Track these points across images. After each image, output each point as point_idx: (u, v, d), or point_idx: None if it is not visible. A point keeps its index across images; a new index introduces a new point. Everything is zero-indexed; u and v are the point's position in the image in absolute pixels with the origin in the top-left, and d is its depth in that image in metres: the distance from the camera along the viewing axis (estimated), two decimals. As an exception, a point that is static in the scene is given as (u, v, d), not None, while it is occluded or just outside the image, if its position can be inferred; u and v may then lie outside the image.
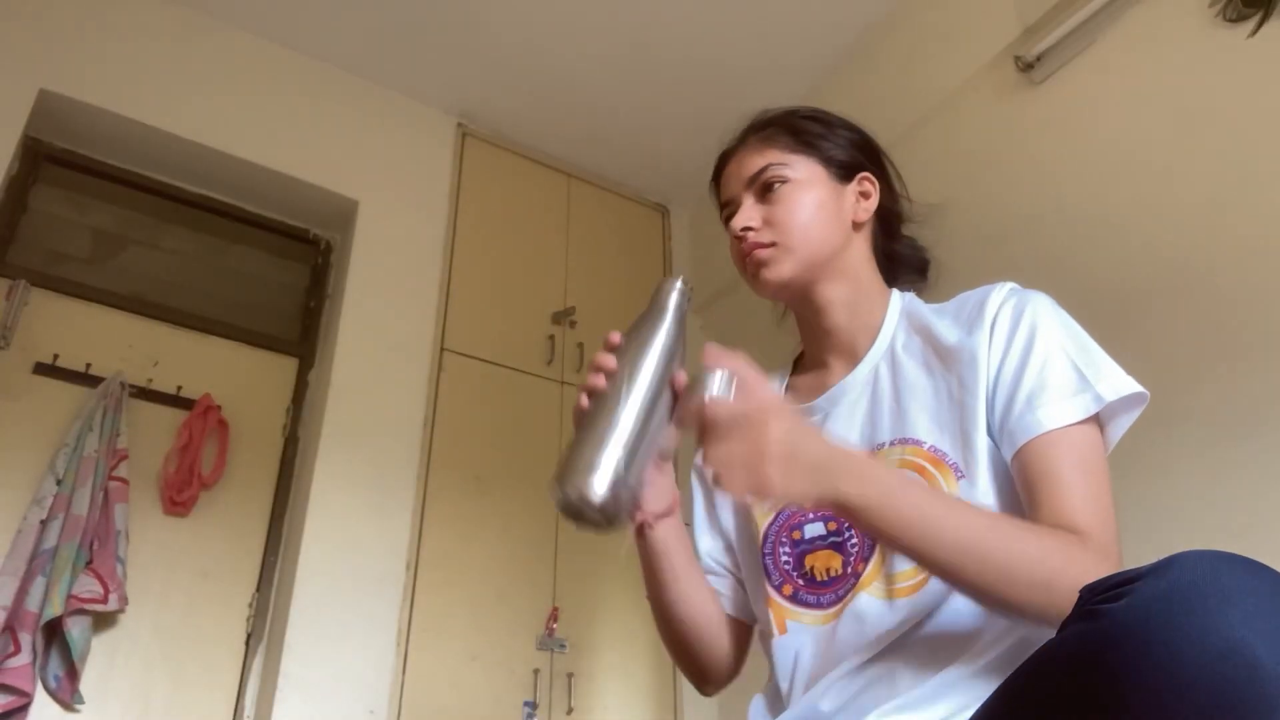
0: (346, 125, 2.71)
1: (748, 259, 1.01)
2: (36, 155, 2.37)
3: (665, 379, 0.86)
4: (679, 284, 0.91)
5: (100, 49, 2.39)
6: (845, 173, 1.03)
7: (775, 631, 0.93)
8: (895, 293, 1.02)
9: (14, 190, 2.28)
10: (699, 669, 1.03)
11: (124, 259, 2.47)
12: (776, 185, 1.01)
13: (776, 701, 0.93)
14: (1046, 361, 0.84)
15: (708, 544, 1.06)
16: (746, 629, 1.03)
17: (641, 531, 0.95)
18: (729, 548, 1.05)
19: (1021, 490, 0.83)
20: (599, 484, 0.78)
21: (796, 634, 0.91)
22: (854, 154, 1.04)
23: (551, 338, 2.76)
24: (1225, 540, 1.41)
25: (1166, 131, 1.74)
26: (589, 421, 0.83)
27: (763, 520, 0.98)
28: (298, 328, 2.64)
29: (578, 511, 0.79)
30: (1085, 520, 0.77)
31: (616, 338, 0.88)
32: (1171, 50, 1.77)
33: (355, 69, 2.76)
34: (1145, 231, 1.73)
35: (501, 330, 2.70)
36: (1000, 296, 0.91)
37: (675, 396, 0.88)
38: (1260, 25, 1.61)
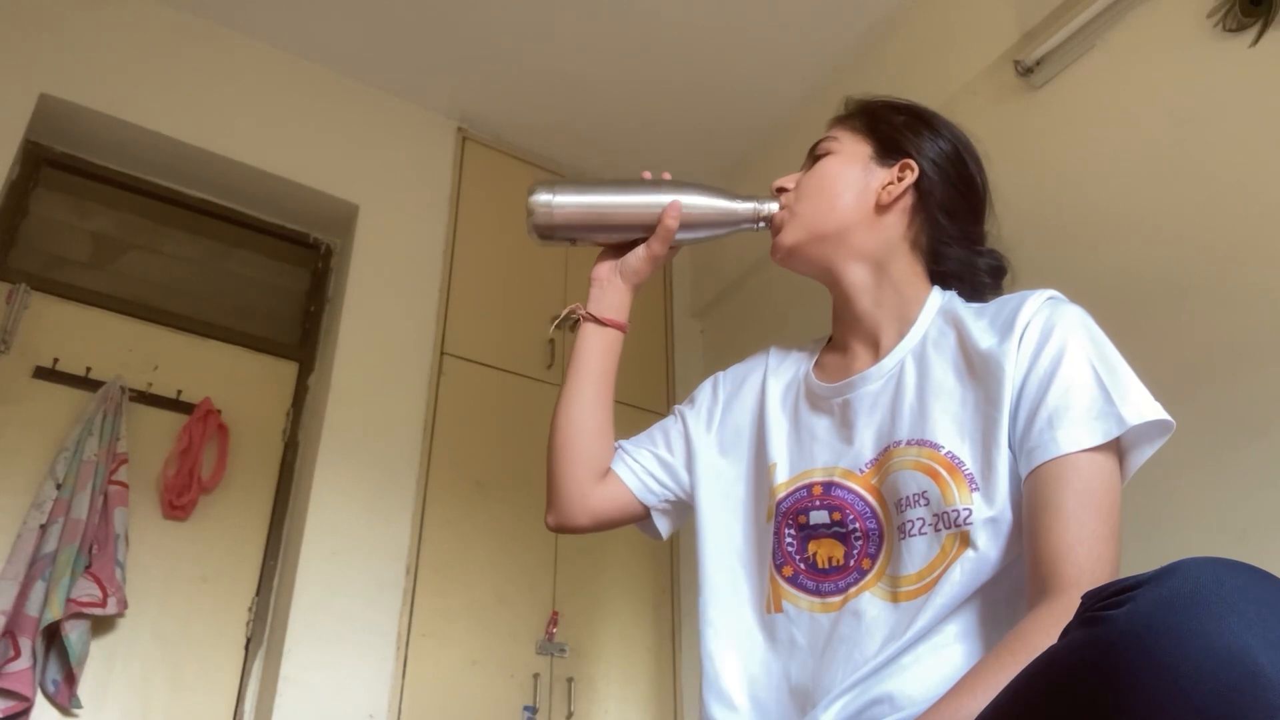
0: (347, 129, 2.71)
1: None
2: (37, 159, 2.37)
3: (674, 209, 1.02)
4: (769, 204, 1.04)
5: (101, 53, 2.39)
6: (893, 157, 1.02)
7: (770, 608, 0.93)
8: (935, 289, 1.00)
9: (14, 194, 2.28)
10: (556, 482, 1.07)
11: (124, 263, 2.47)
12: (821, 157, 1.04)
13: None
14: (1072, 382, 0.82)
15: (658, 453, 1.09)
16: (625, 493, 1.07)
17: (578, 325, 1.07)
18: (677, 474, 1.08)
19: (1025, 513, 0.81)
20: (543, 193, 1.01)
21: (793, 617, 0.91)
22: (915, 143, 1.03)
23: (552, 342, 2.75)
24: (1227, 544, 1.41)
25: (1165, 137, 1.74)
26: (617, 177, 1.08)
27: (776, 495, 0.97)
28: (298, 332, 2.64)
29: (528, 206, 1.01)
30: (1075, 563, 0.75)
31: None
32: (1170, 56, 1.77)
33: (355, 73, 2.77)
34: (1145, 237, 1.72)
35: (502, 334, 2.69)
36: (1034, 306, 0.88)
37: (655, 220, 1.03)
38: (1260, 35, 1.61)
